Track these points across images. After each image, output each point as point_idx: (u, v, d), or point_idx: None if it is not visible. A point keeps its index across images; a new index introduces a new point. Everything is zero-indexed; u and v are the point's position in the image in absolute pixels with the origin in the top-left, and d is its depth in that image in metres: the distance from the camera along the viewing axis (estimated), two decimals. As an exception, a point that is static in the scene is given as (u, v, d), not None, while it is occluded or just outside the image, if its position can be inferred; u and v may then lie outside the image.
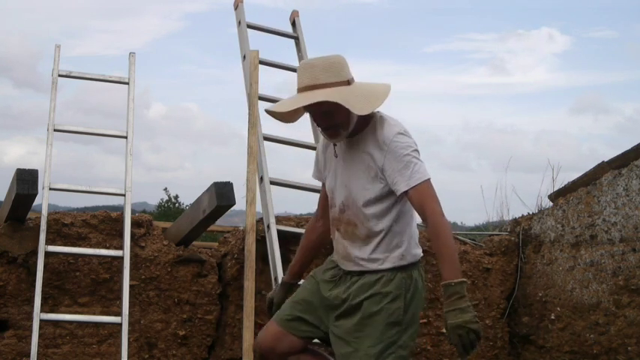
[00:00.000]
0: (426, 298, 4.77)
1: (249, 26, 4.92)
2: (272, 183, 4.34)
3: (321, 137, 2.67)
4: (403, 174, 2.35)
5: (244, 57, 4.75)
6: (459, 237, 5.22)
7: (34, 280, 3.73)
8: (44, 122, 4.06)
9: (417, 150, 2.41)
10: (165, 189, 22.86)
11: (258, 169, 4.30)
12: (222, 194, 3.97)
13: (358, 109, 2.35)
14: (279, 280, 3.90)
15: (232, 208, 4.17)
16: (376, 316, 2.42)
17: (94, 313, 4.10)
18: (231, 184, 4.03)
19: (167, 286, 4.31)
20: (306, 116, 2.58)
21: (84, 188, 4.09)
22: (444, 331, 4.82)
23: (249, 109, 4.36)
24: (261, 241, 4.22)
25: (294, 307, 2.64)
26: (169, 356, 4.29)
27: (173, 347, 4.30)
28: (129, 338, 3.81)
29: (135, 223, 4.27)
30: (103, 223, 4.22)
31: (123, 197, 4.07)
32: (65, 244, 4.05)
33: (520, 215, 5.39)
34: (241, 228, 4.52)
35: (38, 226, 3.89)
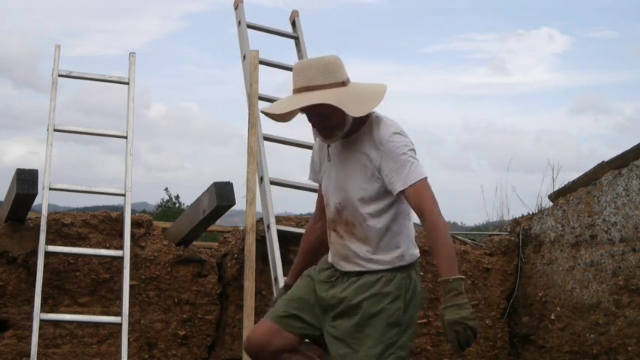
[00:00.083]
0: (426, 298, 4.77)
1: (249, 26, 4.92)
2: (272, 183, 4.34)
3: (317, 138, 2.66)
4: (400, 173, 2.35)
5: (244, 57, 4.75)
6: (459, 237, 5.22)
7: (34, 280, 3.73)
8: (44, 122, 4.07)
9: (413, 149, 2.41)
10: (166, 189, 22.89)
11: (258, 169, 4.30)
12: (222, 194, 3.97)
13: (354, 110, 2.35)
14: (279, 280, 3.90)
15: (232, 208, 4.17)
16: (376, 317, 2.41)
17: (94, 313, 4.10)
18: (231, 184, 4.03)
19: (167, 286, 4.31)
20: (305, 116, 2.58)
21: (84, 188, 4.10)
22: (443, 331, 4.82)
23: (249, 109, 4.37)
24: (261, 241, 4.22)
25: (289, 304, 2.61)
26: (169, 356, 4.29)
27: (173, 347, 4.30)
28: (129, 338, 3.81)
29: (135, 223, 4.27)
30: (103, 223, 4.22)
31: (123, 197, 4.07)
32: (65, 244, 4.05)
33: (520, 215, 5.40)
34: (241, 228, 4.52)
35: (38, 226, 3.89)
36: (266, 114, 2.53)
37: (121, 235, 4.08)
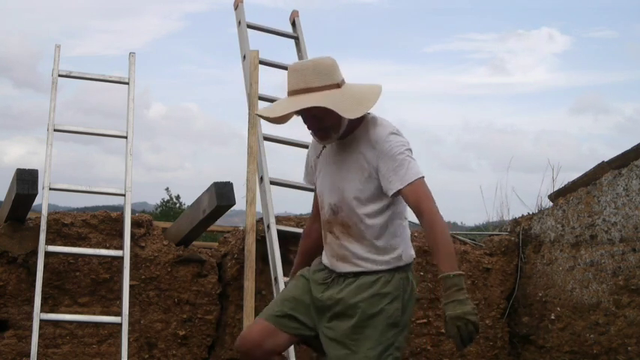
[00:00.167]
0: (426, 298, 4.78)
1: (249, 26, 4.92)
2: (272, 183, 4.34)
3: (311, 140, 2.65)
4: (397, 172, 2.35)
5: (244, 57, 4.75)
6: (459, 237, 5.22)
7: (34, 280, 3.73)
8: (44, 122, 4.07)
9: (409, 149, 2.41)
10: (167, 189, 22.92)
11: (258, 169, 4.30)
12: (222, 194, 3.97)
13: (349, 113, 2.34)
14: (279, 280, 3.90)
15: (232, 208, 4.17)
16: (376, 318, 2.41)
17: (94, 313, 4.10)
18: (231, 184, 4.03)
19: (167, 286, 4.31)
20: (301, 118, 2.57)
21: (84, 188, 4.10)
22: (444, 331, 4.81)
23: (249, 109, 4.37)
24: (261, 241, 4.22)
25: (283, 304, 2.59)
26: (169, 356, 4.29)
27: (173, 347, 4.30)
28: (129, 338, 3.81)
29: (135, 223, 4.27)
30: (103, 223, 4.22)
31: (123, 197, 4.07)
32: (65, 244, 4.05)
33: (520, 215, 5.40)
34: (241, 228, 4.52)
35: (38, 226, 3.89)
36: (261, 117, 2.53)
37: (121, 235, 4.08)
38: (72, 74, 4.32)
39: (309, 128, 2.47)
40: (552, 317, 4.80)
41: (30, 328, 3.72)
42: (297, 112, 2.44)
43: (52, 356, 4.06)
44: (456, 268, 2.27)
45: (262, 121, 4.30)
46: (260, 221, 4.31)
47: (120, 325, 3.77)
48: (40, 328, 3.68)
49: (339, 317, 2.45)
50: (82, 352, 4.11)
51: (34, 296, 3.69)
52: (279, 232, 4.16)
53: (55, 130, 4.06)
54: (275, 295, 3.93)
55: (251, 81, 4.42)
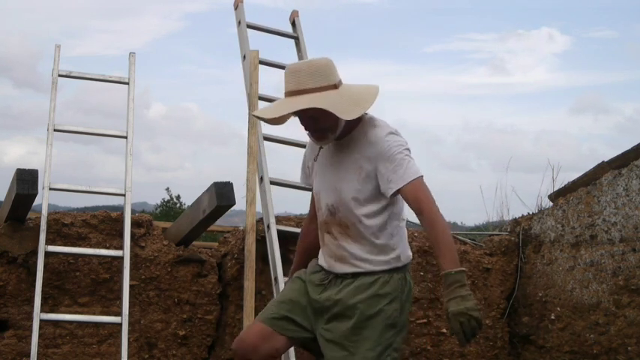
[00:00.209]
0: (426, 299, 4.78)
1: (249, 26, 4.92)
2: (272, 183, 4.34)
3: (308, 141, 2.65)
4: (396, 172, 2.35)
5: (244, 57, 4.75)
6: (459, 237, 5.22)
7: (34, 280, 3.73)
8: (44, 122, 4.07)
9: (408, 149, 2.41)
10: (167, 189, 22.92)
11: (258, 169, 4.30)
12: (222, 194, 3.97)
13: (345, 114, 2.33)
14: (279, 280, 3.90)
15: (232, 208, 4.17)
16: (374, 318, 2.40)
17: (94, 313, 4.10)
18: (231, 184, 4.03)
19: (167, 286, 4.31)
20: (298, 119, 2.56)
21: (84, 188, 4.10)
22: (444, 331, 4.82)
23: (249, 109, 4.37)
24: (261, 241, 4.22)
25: (280, 306, 2.57)
26: (169, 356, 4.29)
27: (173, 347, 4.30)
28: (129, 338, 3.81)
29: (135, 223, 4.27)
30: (103, 223, 4.22)
31: (123, 197, 4.07)
32: (65, 244, 4.05)
33: (520, 215, 5.40)
34: (241, 228, 4.52)
35: (38, 226, 3.89)
36: (259, 118, 2.52)
37: (121, 235, 4.08)
38: (72, 74, 4.32)
39: (306, 129, 2.47)
40: (552, 317, 4.80)
41: (30, 328, 3.72)
42: (294, 113, 2.43)
43: (52, 356, 4.06)
44: (457, 264, 2.26)
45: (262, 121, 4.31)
46: (260, 221, 4.31)
47: (120, 325, 3.77)
48: (40, 328, 3.68)
49: (337, 318, 2.44)
50: (82, 352, 4.11)
51: (34, 296, 3.70)
52: (279, 232, 4.16)
53: (55, 130, 4.06)
54: (275, 295, 3.93)
55: (251, 81, 4.42)
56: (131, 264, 3.96)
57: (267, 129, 4.51)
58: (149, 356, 4.25)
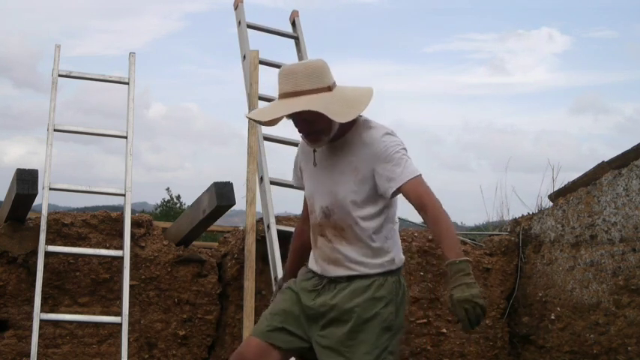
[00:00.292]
0: (426, 299, 4.78)
1: (249, 26, 4.92)
2: (272, 183, 4.34)
3: (300, 143, 2.63)
4: (396, 171, 2.33)
5: (244, 57, 4.75)
6: (459, 237, 5.22)
7: (34, 280, 3.73)
8: (44, 122, 4.07)
9: (405, 148, 2.39)
10: (168, 189, 22.92)
11: (258, 169, 4.30)
12: (222, 194, 3.97)
13: (340, 116, 2.32)
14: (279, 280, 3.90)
15: (232, 208, 4.17)
16: (370, 322, 2.38)
17: (94, 313, 4.10)
18: (231, 184, 4.03)
19: (167, 286, 4.31)
20: (292, 121, 2.54)
21: (84, 188, 4.10)
22: (444, 331, 4.82)
23: (249, 109, 4.37)
24: (261, 241, 4.22)
25: (272, 318, 2.53)
26: (169, 356, 4.29)
27: (173, 347, 4.30)
28: (129, 338, 3.81)
29: (135, 223, 4.27)
30: (103, 223, 4.23)
31: (123, 197, 4.07)
32: (65, 244, 4.05)
33: (520, 215, 5.40)
34: (241, 228, 4.52)
35: (38, 226, 3.89)
36: (251, 119, 2.51)
37: (121, 235, 4.08)
38: (72, 74, 4.32)
39: (299, 132, 2.44)
40: (552, 317, 4.80)
41: (30, 328, 3.72)
42: (288, 115, 2.41)
43: (52, 356, 4.06)
44: (461, 255, 2.24)
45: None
46: (260, 221, 4.31)
47: (120, 325, 3.78)
48: (40, 328, 3.68)
49: (333, 324, 2.41)
50: (82, 352, 4.12)
51: (34, 296, 3.70)
52: (279, 232, 4.16)
53: (55, 130, 4.06)
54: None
55: (251, 81, 4.43)
56: (131, 264, 3.96)
57: (267, 129, 4.51)
58: (149, 356, 4.25)
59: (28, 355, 3.64)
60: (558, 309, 4.77)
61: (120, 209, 4.21)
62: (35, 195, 3.80)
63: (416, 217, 5.55)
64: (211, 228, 4.89)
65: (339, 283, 2.44)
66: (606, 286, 4.48)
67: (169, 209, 21.69)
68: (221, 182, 4.01)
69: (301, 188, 2.70)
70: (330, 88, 2.38)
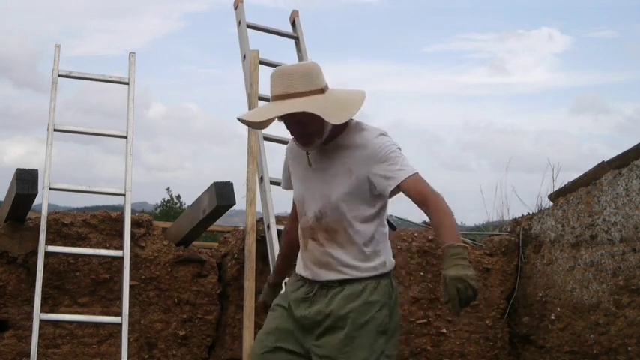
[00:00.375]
0: (426, 299, 4.78)
1: (249, 26, 4.93)
2: (272, 183, 4.34)
3: (288, 146, 2.62)
4: (393, 169, 2.32)
5: (244, 57, 4.75)
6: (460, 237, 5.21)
7: (34, 280, 3.73)
8: (44, 122, 4.07)
9: (399, 148, 2.39)
10: (168, 189, 22.94)
11: (258, 169, 4.30)
12: (222, 194, 3.97)
13: (333, 118, 2.31)
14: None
15: (232, 208, 4.17)
16: (366, 326, 2.36)
17: (94, 313, 4.10)
18: (231, 184, 4.03)
19: (167, 286, 4.31)
20: (284, 124, 2.51)
21: (84, 188, 4.09)
22: (444, 331, 4.82)
23: (249, 109, 4.37)
24: (261, 241, 4.22)
25: (267, 338, 2.51)
26: (169, 356, 4.29)
27: (173, 347, 4.30)
28: (129, 338, 3.81)
29: (135, 223, 4.27)
30: (103, 223, 4.23)
31: (123, 197, 4.07)
32: (65, 244, 4.05)
33: (520, 215, 5.40)
34: (241, 228, 4.52)
35: (38, 226, 3.89)
36: (242, 122, 2.47)
37: (121, 235, 4.08)
38: (72, 74, 4.32)
39: (292, 134, 2.43)
40: (552, 317, 4.80)
41: (30, 328, 3.72)
42: (280, 118, 2.40)
43: (52, 356, 4.06)
44: (459, 240, 2.21)
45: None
46: (260, 221, 4.31)
47: (120, 325, 3.77)
48: (40, 328, 3.68)
49: (328, 332, 2.39)
50: (82, 352, 4.12)
51: (34, 296, 3.70)
52: (279, 232, 4.16)
53: (55, 130, 4.06)
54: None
55: (251, 81, 4.43)
56: (131, 264, 3.96)
57: (267, 129, 4.50)
58: (149, 356, 4.25)
59: (28, 355, 3.64)
60: (558, 309, 4.77)
61: (120, 209, 4.21)
62: (35, 195, 3.79)
63: (416, 217, 5.55)
64: (211, 228, 4.89)
65: (332, 288, 2.41)
66: (606, 286, 4.48)
67: (169, 209, 21.71)
68: (221, 182, 4.01)
69: (290, 189, 2.68)
70: (322, 91, 2.37)
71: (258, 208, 4.27)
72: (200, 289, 4.38)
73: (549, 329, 4.82)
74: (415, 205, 2.36)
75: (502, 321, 5.03)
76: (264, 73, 4.56)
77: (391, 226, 5.76)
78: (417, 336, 4.76)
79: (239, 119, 2.46)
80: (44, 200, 3.86)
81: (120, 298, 3.91)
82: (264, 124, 2.51)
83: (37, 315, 3.64)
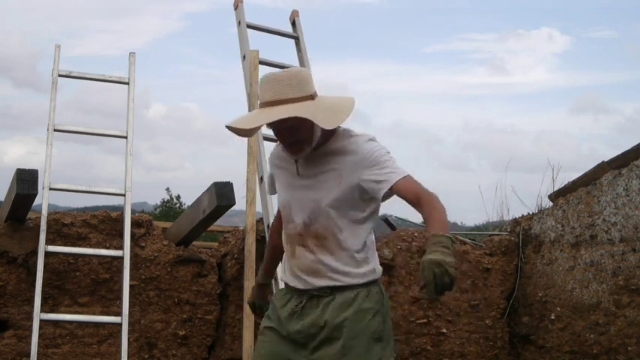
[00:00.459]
0: (426, 299, 4.78)
1: (249, 26, 4.93)
2: (272, 183, 4.33)
3: (272, 153, 2.60)
4: (384, 172, 2.30)
5: (244, 57, 4.75)
6: (459, 237, 5.22)
7: (34, 280, 3.73)
8: (44, 122, 4.07)
9: (389, 152, 2.37)
10: (167, 189, 22.94)
11: (258, 169, 4.30)
12: (222, 194, 3.97)
13: (326, 123, 2.29)
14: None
15: (232, 208, 4.17)
16: (361, 335, 2.33)
17: (94, 313, 4.10)
18: (231, 184, 4.03)
19: (167, 286, 4.31)
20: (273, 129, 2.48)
21: (84, 188, 4.09)
22: (444, 331, 4.82)
23: (249, 109, 4.37)
24: (261, 241, 4.22)
25: None
26: (169, 356, 4.29)
27: (173, 347, 4.30)
28: (129, 338, 3.81)
29: (135, 223, 4.27)
30: (103, 223, 4.23)
31: (123, 197, 4.07)
32: (65, 244, 4.05)
33: (520, 215, 5.40)
34: (241, 228, 4.52)
35: (38, 226, 3.89)
36: (231, 129, 2.44)
37: (121, 235, 4.08)
38: (72, 74, 4.32)
39: (282, 141, 2.41)
40: (552, 317, 4.80)
41: (30, 328, 3.72)
42: (270, 124, 2.37)
43: (52, 356, 4.06)
44: (447, 232, 2.15)
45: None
46: (260, 221, 4.31)
47: (120, 325, 3.77)
48: (40, 328, 3.68)
49: (324, 344, 2.35)
50: (82, 352, 4.12)
51: (34, 296, 3.69)
52: (279, 232, 4.16)
53: (55, 130, 4.06)
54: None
55: (251, 81, 4.43)
56: (131, 264, 3.96)
57: (267, 129, 4.50)
58: (149, 356, 4.25)
59: (28, 355, 3.64)
60: (558, 309, 4.77)
61: (120, 209, 4.21)
62: (35, 195, 3.80)
63: (416, 217, 5.55)
64: (211, 228, 4.89)
65: (322, 297, 2.38)
66: (606, 286, 4.48)
67: (169, 209, 21.71)
68: (221, 182, 4.01)
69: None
70: (312, 97, 2.36)
71: (258, 208, 4.27)
72: (200, 289, 4.38)
73: (549, 329, 4.82)
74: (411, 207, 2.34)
75: (502, 321, 5.03)
76: (264, 73, 4.57)
77: (391, 226, 5.77)
78: (417, 336, 4.76)
79: (228, 127, 2.42)
80: (44, 200, 3.86)
81: (120, 298, 3.91)
82: (252, 131, 2.49)
83: (37, 315, 3.64)
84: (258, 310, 2.77)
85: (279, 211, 2.68)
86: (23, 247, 4.02)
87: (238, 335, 4.29)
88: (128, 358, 3.74)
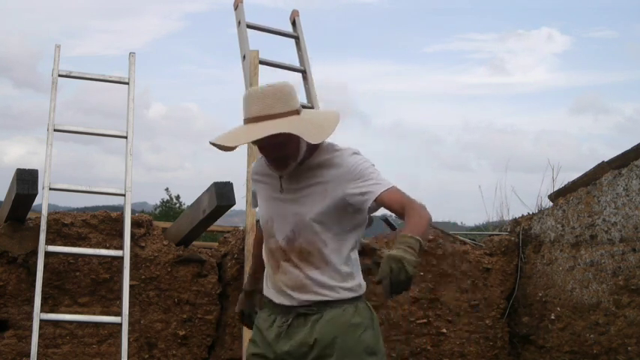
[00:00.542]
0: (426, 299, 4.78)
1: (249, 26, 4.92)
2: (272, 183, 4.33)
3: (254, 167, 2.58)
4: (369, 184, 2.27)
5: (244, 57, 4.75)
6: (459, 237, 5.22)
7: (34, 280, 3.73)
8: (44, 122, 4.07)
9: (374, 165, 2.35)
10: (167, 189, 22.93)
11: (258, 169, 4.30)
12: (222, 194, 3.97)
13: (313, 138, 2.27)
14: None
15: (232, 208, 4.17)
16: (354, 350, 2.30)
17: (94, 313, 4.10)
18: (231, 184, 4.03)
19: (167, 286, 4.31)
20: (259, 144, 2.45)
21: (84, 188, 4.09)
22: (444, 331, 4.82)
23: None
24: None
25: None
26: (169, 356, 4.29)
27: (173, 347, 4.30)
28: (129, 338, 3.81)
29: (135, 223, 4.27)
30: (103, 223, 4.23)
31: (123, 197, 4.07)
32: (65, 244, 4.05)
33: (520, 215, 5.40)
34: (241, 228, 4.52)
35: (38, 226, 3.89)
36: (216, 145, 2.34)
37: (121, 235, 4.08)
38: (72, 74, 4.31)
39: (266, 157, 2.37)
40: (552, 317, 4.80)
41: (30, 328, 3.72)
42: (254, 141, 2.32)
43: (52, 356, 4.06)
44: (419, 236, 2.10)
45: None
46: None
47: (120, 325, 3.77)
48: (40, 328, 3.68)
49: None
50: (82, 352, 4.12)
51: (34, 296, 3.69)
52: (279, 232, 4.16)
53: (55, 130, 4.05)
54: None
55: (251, 81, 4.43)
56: (131, 264, 3.96)
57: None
58: (149, 356, 4.25)
59: (28, 355, 3.64)
60: (558, 309, 4.77)
61: (120, 209, 4.21)
62: (35, 195, 3.79)
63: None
64: (211, 228, 4.88)
65: (309, 315, 2.35)
66: (606, 286, 4.48)
67: (169, 209, 21.71)
68: (221, 182, 4.01)
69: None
70: (298, 112, 2.33)
71: (258, 208, 4.26)
72: (200, 289, 4.38)
73: (549, 329, 4.82)
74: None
75: (502, 321, 5.03)
76: (264, 73, 4.56)
77: (391, 226, 5.77)
78: (417, 336, 4.76)
79: (212, 143, 2.35)
80: (44, 200, 3.86)
81: (120, 298, 3.91)
82: (236, 146, 2.40)
83: (37, 315, 3.64)
84: (247, 319, 2.72)
85: (258, 222, 2.65)
86: (23, 247, 4.02)
87: (238, 335, 4.29)
88: (128, 358, 3.74)
